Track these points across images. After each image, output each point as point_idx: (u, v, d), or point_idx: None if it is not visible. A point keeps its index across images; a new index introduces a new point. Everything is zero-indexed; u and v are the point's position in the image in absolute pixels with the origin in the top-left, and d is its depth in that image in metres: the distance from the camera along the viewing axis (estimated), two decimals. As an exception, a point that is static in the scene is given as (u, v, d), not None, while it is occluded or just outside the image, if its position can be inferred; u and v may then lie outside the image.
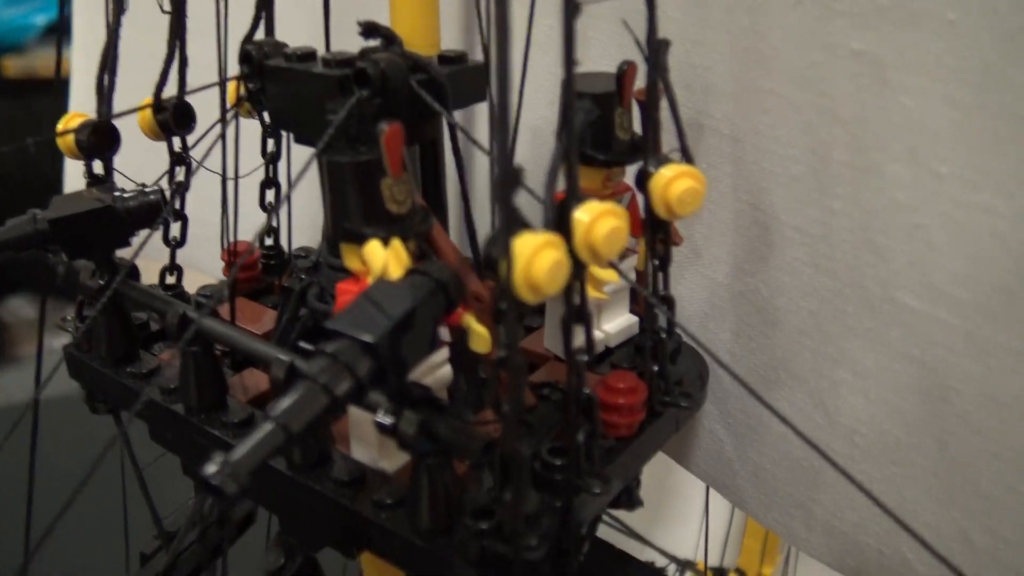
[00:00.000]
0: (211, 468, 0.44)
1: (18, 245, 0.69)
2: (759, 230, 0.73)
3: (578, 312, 0.60)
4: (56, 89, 1.01)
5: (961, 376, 0.61)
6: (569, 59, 0.53)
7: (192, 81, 0.80)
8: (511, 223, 0.50)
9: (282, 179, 0.92)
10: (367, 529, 0.61)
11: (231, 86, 0.78)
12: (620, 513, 0.69)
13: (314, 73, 0.63)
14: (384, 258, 0.56)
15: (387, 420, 0.55)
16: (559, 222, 0.56)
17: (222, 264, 0.93)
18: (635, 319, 0.79)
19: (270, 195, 0.93)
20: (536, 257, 0.49)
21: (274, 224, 0.94)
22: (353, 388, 0.50)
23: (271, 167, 0.91)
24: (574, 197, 0.56)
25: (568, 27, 0.53)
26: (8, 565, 0.55)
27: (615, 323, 0.80)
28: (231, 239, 0.84)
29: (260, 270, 0.94)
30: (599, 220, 0.54)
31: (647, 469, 0.74)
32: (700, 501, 1.25)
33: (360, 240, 0.59)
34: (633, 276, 0.75)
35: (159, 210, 0.71)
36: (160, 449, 0.92)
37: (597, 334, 0.81)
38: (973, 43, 0.53)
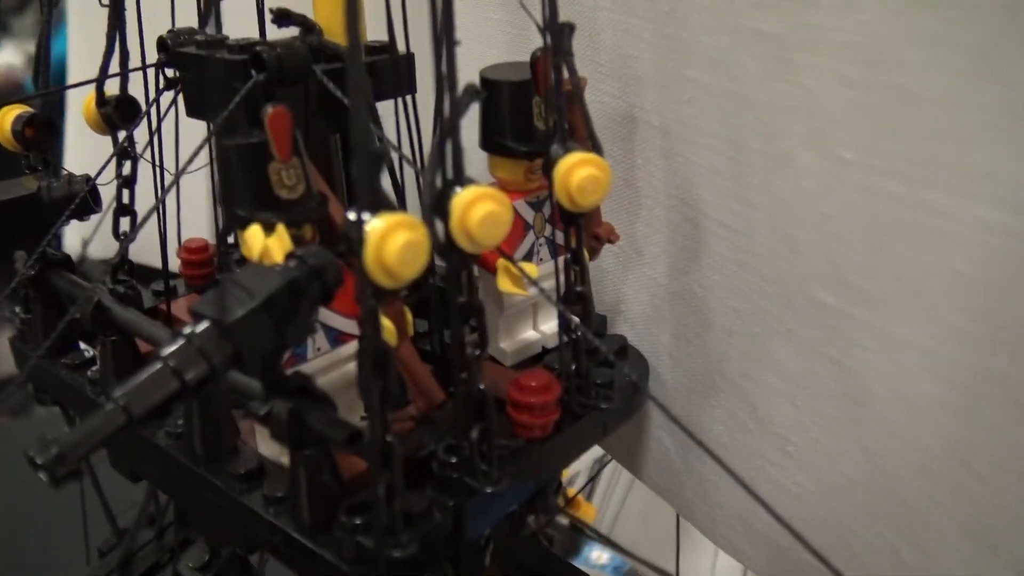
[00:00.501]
0: (35, 450, 0.44)
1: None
2: (690, 227, 0.70)
3: (466, 305, 0.58)
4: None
5: (876, 376, 0.56)
6: (450, 37, 0.52)
7: (137, 75, 0.81)
8: (371, 205, 0.48)
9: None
10: (256, 525, 0.59)
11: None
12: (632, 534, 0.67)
13: (218, 58, 0.63)
14: (263, 243, 0.55)
15: (259, 410, 0.54)
16: (438, 206, 0.54)
17: (179, 262, 0.94)
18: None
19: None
20: (387, 239, 0.47)
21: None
22: (206, 373, 0.48)
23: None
24: (456, 180, 0.54)
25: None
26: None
27: (551, 324, 0.77)
28: (176, 233, 0.85)
29: (214, 267, 0.94)
30: (475, 204, 0.52)
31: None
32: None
33: (239, 223, 0.58)
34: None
35: (87, 199, 0.71)
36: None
37: (533, 334, 0.78)
38: (865, 18, 0.49)
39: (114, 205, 0.82)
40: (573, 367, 0.67)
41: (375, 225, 0.47)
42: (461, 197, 0.52)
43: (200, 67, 0.65)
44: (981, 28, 0.46)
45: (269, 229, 0.57)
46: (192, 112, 0.67)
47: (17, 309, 0.86)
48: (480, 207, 0.52)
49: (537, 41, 0.67)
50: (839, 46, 0.51)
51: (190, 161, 0.57)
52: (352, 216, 0.48)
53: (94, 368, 0.75)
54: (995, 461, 0.52)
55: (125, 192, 0.85)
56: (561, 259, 0.70)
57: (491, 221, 0.52)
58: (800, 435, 0.65)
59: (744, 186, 0.62)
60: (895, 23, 0.48)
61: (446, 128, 0.53)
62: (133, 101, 0.83)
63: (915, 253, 0.51)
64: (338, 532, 0.55)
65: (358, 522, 0.54)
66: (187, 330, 0.49)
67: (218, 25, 0.80)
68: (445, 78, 0.53)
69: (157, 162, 0.75)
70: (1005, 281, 0.49)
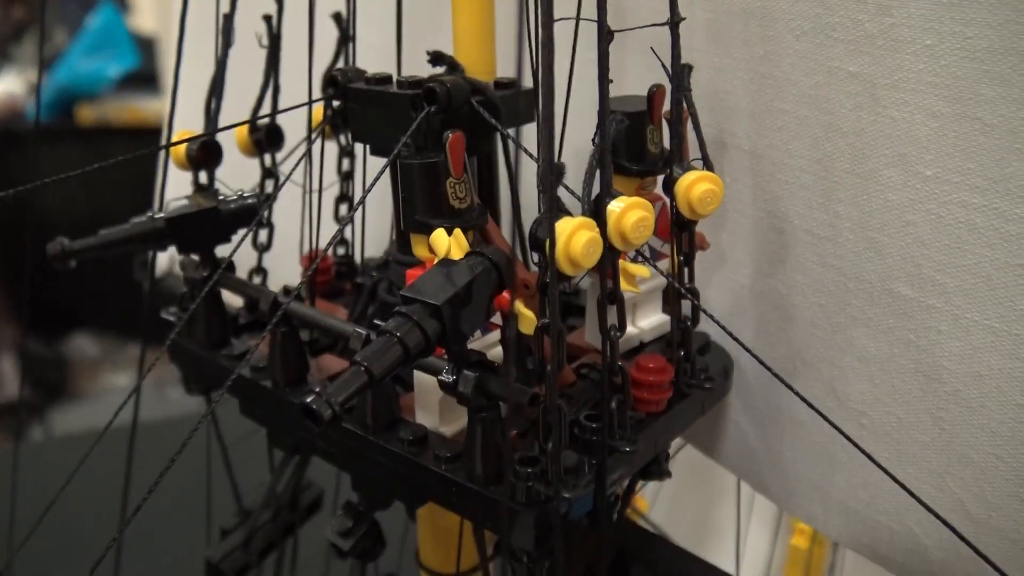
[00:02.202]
0: (309, 396, 0.55)
1: (140, 239, 0.82)
2: (775, 235, 0.82)
3: (611, 293, 0.70)
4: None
5: (950, 355, 0.69)
6: (603, 76, 0.64)
7: (282, 106, 0.93)
8: (553, 209, 0.60)
9: (357, 196, 1.05)
10: (429, 480, 0.71)
11: (316, 109, 0.91)
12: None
13: (390, 93, 0.75)
14: (448, 243, 0.67)
15: (448, 379, 0.65)
16: (595, 213, 0.66)
17: (300, 270, 1.06)
18: (666, 318, 0.89)
19: (343, 208, 1.06)
20: (574, 236, 0.59)
21: (347, 235, 1.06)
22: (422, 343, 0.60)
23: (345, 184, 1.03)
24: (607, 192, 0.66)
25: (602, 51, 0.64)
26: (102, 538, 0.66)
27: (648, 320, 0.89)
28: (312, 246, 0.96)
29: (333, 275, 1.06)
30: (629, 211, 0.64)
31: (689, 507, 0.82)
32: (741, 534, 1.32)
33: (428, 231, 0.70)
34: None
35: (255, 212, 0.83)
36: (241, 435, 1.04)
37: (632, 329, 0.90)
38: (947, 63, 0.62)
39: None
40: (682, 353, 0.79)
41: (563, 225, 0.59)
42: (616, 205, 0.64)
43: (370, 100, 0.77)
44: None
45: (448, 233, 0.69)
46: (358, 138, 0.80)
47: (173, 309, 0.98)
48: (632, 213, 0.64)
49: (627, 76, 0.79)
50: (924, 84, 0.63)
51: (376, 180, 0.69)
52: (537, 220, 0.60)
53: (253, 357, 0.86)
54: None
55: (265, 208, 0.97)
56: (664, 263, 0.82)
57: (642, 224, 0.64)
58: (877, 409, 0.77)
59: (832, 199, 0.74)
60: (972, 67, 0.61)
61: (601, 149, 0.66)
62: (279, 129, 0.95)
63: (988, 251, 0.63)
64: (512, 479, 0.66)
65: (530, 470, 0.65)
66: (404, 309, 0.61)
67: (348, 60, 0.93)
68: (600, 111, 0.66)
69: (307, 186, 0.87)
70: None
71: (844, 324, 0.77)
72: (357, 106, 0.79)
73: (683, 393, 0.79)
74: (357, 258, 1.06)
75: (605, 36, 0.63)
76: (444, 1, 0.84)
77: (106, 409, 0.80)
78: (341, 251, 1.08)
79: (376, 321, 0.76)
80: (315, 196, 0.91)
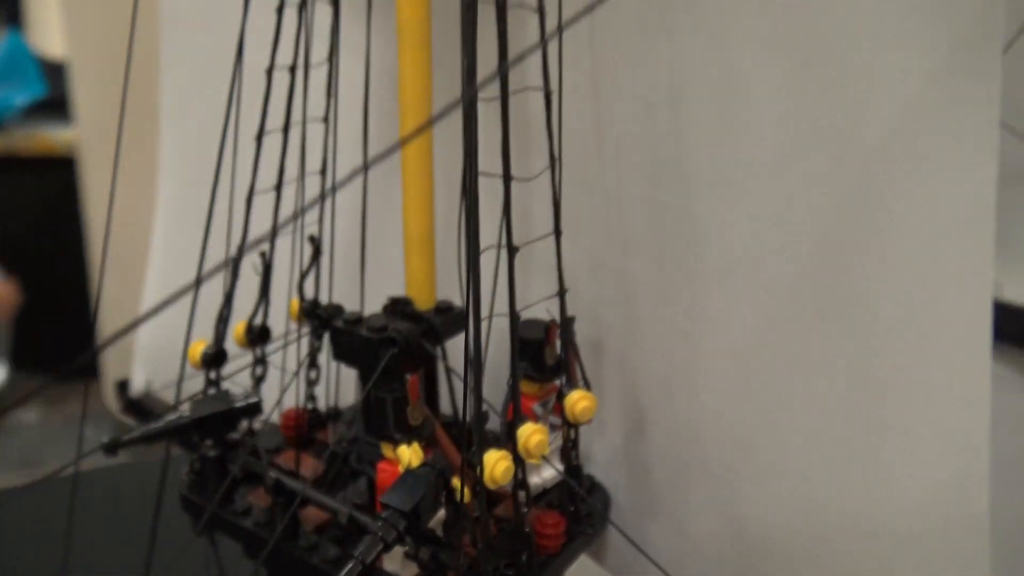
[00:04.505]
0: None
1: (171, 433, 1.10)
2: (636, 419, 1.16)
3: (522, 481, 1.01)
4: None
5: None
6: (512, 301, 0.96)
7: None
8: (482, 445, 0.92)
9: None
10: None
11: (293, 301, 1.20)
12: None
13: (362, 336, 1.05)
14: (408, 456, 0.98)
15: (412, 551, 0.95)
16: (509, 432, 0.98)
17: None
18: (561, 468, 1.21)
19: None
20: (496, 464, 0.91)
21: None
22: (396, 538, 0.90)
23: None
24: (519, 419, 0.97)
25: (510, 264, 0.94)
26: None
27: (550, 472, 1.21)
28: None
29: (306, 428, 1.35)
30: (532, 435, 0.96)
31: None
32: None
33: (392, 442, 1.00)
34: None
35: (259, 408, 1.12)
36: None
37: (538, 480, 1.22)
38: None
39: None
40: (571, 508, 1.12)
41: (489, 457, 0.91)
42: (524, 430, 0.96)
43: (347, 336, 1.07)
44: None
45: (408, 445, 0.99)
46: (337, 358, 1.09)
47: (185, 470, 1.24)
48: (534, 438, 0.96)
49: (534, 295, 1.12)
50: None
51: (356, 407, 0.99)
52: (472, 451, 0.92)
53: (255, 513, 1.14)
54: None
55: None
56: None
57: (541, 444, 0.96)
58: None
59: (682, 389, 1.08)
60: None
61: (514, 390, 0.97)
62: (268, 329, 1.24)
63: None
64: (454, 619, 0.97)
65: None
66: (384, 514, 0.91)
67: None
68: (512, 349, 0.97)
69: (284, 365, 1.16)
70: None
71: (695, 477, 1.11)
72: (337, 338, 1.09)
73: (573, 537, 1.11)
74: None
75: (512, 253, 0.94)
76: (396, 248, 1.15)
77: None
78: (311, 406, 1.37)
79: (354, 502, 1.05)
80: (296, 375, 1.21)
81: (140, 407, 1.81)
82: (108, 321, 2.87)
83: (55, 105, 3.63)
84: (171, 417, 1.10)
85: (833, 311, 0.87)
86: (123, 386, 1.88)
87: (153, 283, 1.62)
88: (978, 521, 0.78)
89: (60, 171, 3.47)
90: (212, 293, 1.16)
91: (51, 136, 3.66)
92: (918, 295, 0.81)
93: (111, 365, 2.83)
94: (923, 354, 0.82)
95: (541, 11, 0.91)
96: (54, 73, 3.73)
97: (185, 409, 1.11)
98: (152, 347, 1.67)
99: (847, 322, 0.86)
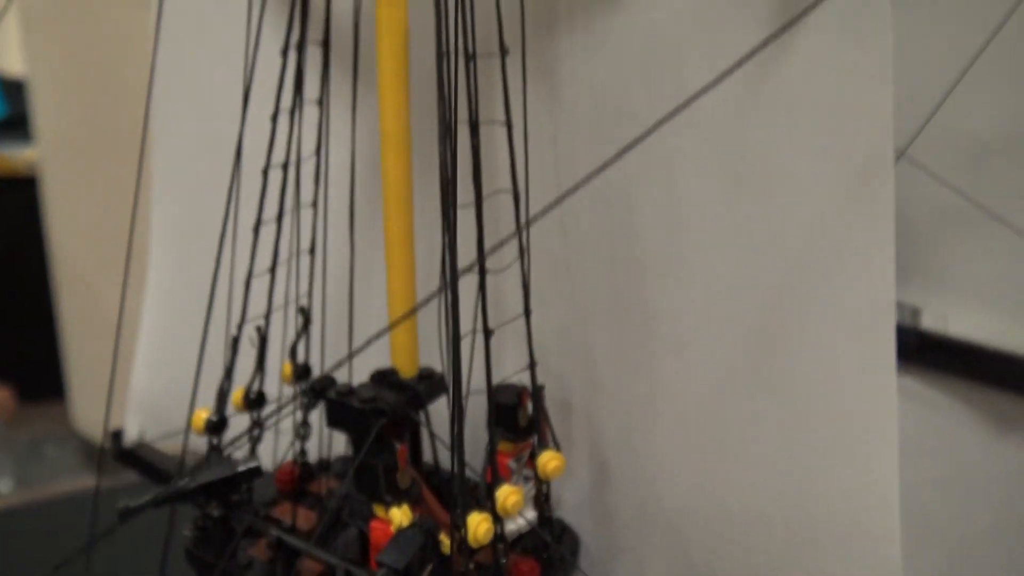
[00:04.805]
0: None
1: (177, 498, 1.21)
2: (601, 470, 1.29)
3: (500, 536, 1.14)
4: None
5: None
6: (489, 380, 1.08)
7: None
8: (466, 507, 1.04)
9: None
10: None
11: (286, 368, 1.32)
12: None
13: (354, 408, 1.17)
14: (399, 517, 1.10)
15: (402, 603, 1.07)
16: (488, 492, 1.10)
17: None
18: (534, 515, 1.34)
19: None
20: (479, 527, 1.03)
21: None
22: None
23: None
24: (497, 482, 1.10)
25: (487, 348, 1.07)
26: None
27: (530, 514, 1.34)
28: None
29: (297, 480, 1.46)
30: (509, 496, 1.08)
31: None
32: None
33: (383, 504, 1.12)
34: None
35: (260, 472, 1.23)
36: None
37: (514, 526, 1.35)
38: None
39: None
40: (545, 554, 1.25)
41: (473, 519, 1.03)
42: (502, 492, 1.09)
43: (340, 406, 1.19)
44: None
45: (398, 507, 1.11)
46: (331, 425, 1.21)
47: (189, 526, 1.35)
48: (511, 498, 1.08)
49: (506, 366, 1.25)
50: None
51: (347, 479, 1.11)
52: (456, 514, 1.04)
53: (256, 568, 1.25)
54: None
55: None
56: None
57: (517, 503, 1.08)
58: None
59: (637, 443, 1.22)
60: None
61: (489, 450, 1.10)
62: (264, 396, 1.35)
63: None
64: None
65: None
66: (380, 573, 1.03)
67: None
68: (490, 413, 1.10)
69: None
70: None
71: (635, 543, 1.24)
72: (330, 407, 1.20)
73: (547, 577, 1.24)
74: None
75: (487, 336, 1.07)
76: (381, 318, 1.27)
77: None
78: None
79: (348, 556, 1.17)
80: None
81: (134, 457, 1.90)
82: (73, 341, 2.87)
83: (15, 124, 3.57)
84: (180, 483, 1.20)
85: (765, 382, 1.02)
86: (117, 436, 1.97)
87: (147, 339, 1.72)
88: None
89: (23, 190, 3.39)
90: (210, 353, 1.28)
91: (12, 155, 3.56)
92: (830, 370, 0.96)
93: (85, 407, 2.85)
94: (835, 420, 0.96)
95: (509, 126, 1.04)
96: (13, 91, 3.64)
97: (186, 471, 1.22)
98: (147, 399, 1.77)
99: (776, 391, 1.01)
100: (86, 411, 2.86)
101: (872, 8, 0.79)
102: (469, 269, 1.02)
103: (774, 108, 0.87)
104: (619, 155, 0.79)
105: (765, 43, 0.75)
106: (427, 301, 1.16)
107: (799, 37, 0.84)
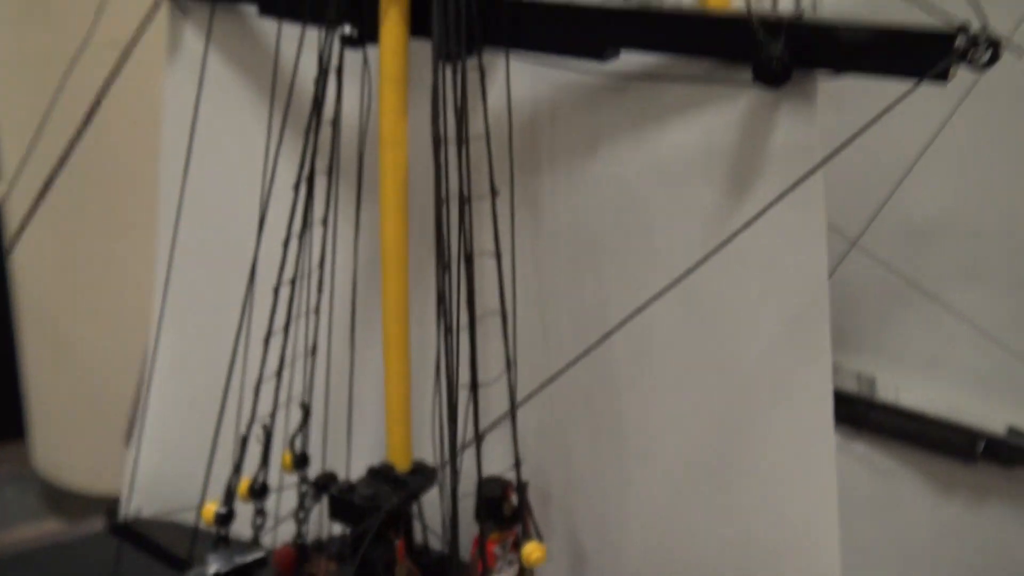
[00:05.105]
0: None
1: (196, 582, 1.31)
2: (578, 552, 1.42)
3: None
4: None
5: None
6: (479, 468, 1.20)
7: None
8: None
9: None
10: None
11: (285, 458, 1.44)
12: None
13: (357, 505, 1.29)
14: None
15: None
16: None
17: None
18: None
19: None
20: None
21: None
22: None
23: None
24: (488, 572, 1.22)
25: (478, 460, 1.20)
26: None
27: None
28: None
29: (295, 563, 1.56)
30: (534, 552, 1.21)
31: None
32: None
33: (389, 593, 1.24)
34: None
35: (266, 564, 1.34)
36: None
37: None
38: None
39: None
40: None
41: None
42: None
43: (341, 503, 1.30)
44: None
45: None
46: (332, 519, 1.33)
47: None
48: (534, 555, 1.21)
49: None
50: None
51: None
52: None
53: None
54: None
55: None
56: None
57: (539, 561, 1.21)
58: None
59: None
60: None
61: (482, 546, 1.22)
62: (268, 487, 1.46)
63: None
64: None
65: None
66: None
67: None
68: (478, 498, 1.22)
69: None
70: None
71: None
72: (332, 500, 1.32)
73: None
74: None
75: (479, 442, 1.20)
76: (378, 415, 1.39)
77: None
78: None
79: None
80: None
81: (129, 531, 1.97)
82: (35, 381, 2.80)
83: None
84: (198, 570, 1.31)
85: (723, 482, 1.17)
86: (112, 510, 2.04)
87: (152, 422, 1.82)
88: None
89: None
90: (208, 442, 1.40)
91: (-25, 194, 3.55)
92: (778, 471, 1.11)
93: (46, 448, 2.81)
94: (782, 509, 1.11)
95: (498, 256, 1.19)
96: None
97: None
98: (147, 476, 1.86)
99: (733, 491, 1.16)
100: (47, 452, 2.82)
101: (807, 186, 0.95)
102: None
103: (726, 257, 1.02)
104: (648, 303, 0.95)
105: (723, 243, 0.91)
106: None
107: (748, 204, 1.00)
